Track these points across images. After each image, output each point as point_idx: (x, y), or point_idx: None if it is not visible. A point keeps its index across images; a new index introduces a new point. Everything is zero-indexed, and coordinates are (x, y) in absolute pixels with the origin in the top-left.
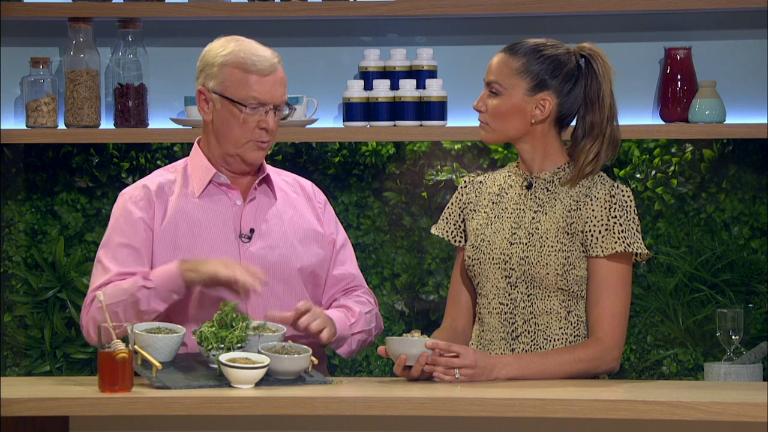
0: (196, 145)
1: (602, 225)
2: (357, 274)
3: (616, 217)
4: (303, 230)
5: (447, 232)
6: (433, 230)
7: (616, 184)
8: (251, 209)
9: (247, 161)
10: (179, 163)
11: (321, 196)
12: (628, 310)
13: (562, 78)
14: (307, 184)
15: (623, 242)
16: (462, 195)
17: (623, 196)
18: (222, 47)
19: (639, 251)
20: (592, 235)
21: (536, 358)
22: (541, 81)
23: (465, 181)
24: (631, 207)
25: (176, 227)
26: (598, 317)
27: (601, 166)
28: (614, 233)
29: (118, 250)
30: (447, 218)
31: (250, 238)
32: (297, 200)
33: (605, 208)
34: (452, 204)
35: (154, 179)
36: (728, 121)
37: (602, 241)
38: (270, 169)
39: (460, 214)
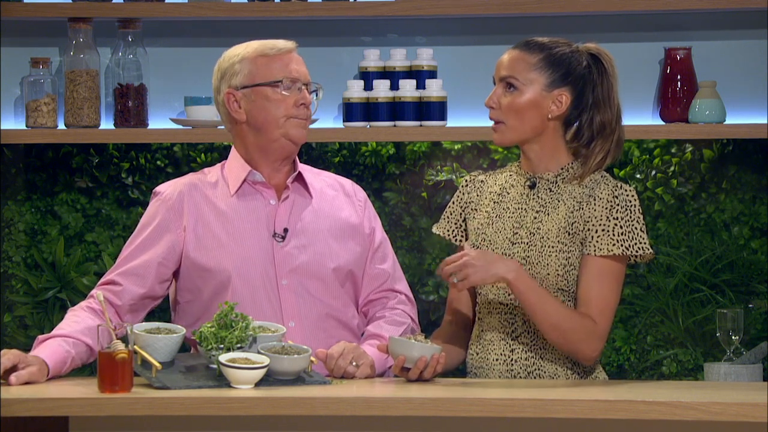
0: (233, 148)
1: (600, 225)
2: (392, 273)
3: (617, 218)
4: (339, 227)
5: (448, 231)
6: (434, 229)
7: (620, 185)
8: (286, 208)
9: (292, 139)
10: (216, 166)
11: (361, 194)
12: (616, 306)
13: (577, 75)
14: (347, 182)
15: (621, 245)
16: (463, 194)
17: (627, 196)
18: (235, 49)
19: (639, 253)
20: (589, 234)
21: (539, 289)
22: (560, 76)
23: (466, 180)
24: (635, 207)
25: (210, 227)
26: (593, 307)
27: (606, 166)
28: (613, 235)
29: (130, 256)
30: (448, 217)
31: (284, 237)
32: (335, 197)
33: (606, 209)
34: (453, 203)
35: (190, 179)
36: (728, 121)
37: (597, 241)
38: (307, 170)
39: (461, 214)
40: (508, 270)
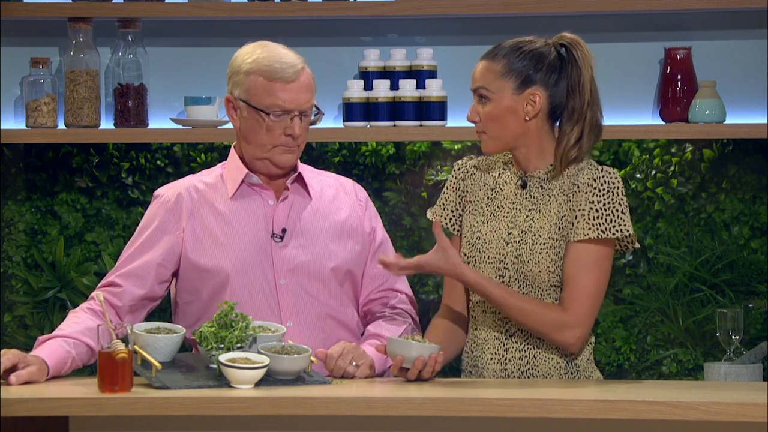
0: (232, 149)
1: (580, 211)
2: (393, 274)
3: (593, 202)
4: (339, 227)
5: (445, 218)
6: (429, 215)
7: (601, 168)
8: (284, 208)
9: (277, 164)
10: (216, 168)
11: (362, 194)
12: (601, 293)
13: (546, 70)
14: (348, 182)
15: (597, 228)
16: (458, 181)
17: (608, 178)
18: (248, 54)
19: (618, 235)
20: (570, 222)
21: (500, 291)
22: (526, 77)
23: (458, 165)
24: (616, 189)
25: (208, 228)
26: (568, 294)
27: (585, 152)
28: (588, 219)
29: (130, 257)
30: (444, 204)
31: (282, 237)
32: (335, 197)
33: (586, 194)
34: (448, 189)
35: (189, 181)
36: (728, 121)
37: (576, 227)
38: (308, 170)
39: (459, 202)
40: (470, 282)
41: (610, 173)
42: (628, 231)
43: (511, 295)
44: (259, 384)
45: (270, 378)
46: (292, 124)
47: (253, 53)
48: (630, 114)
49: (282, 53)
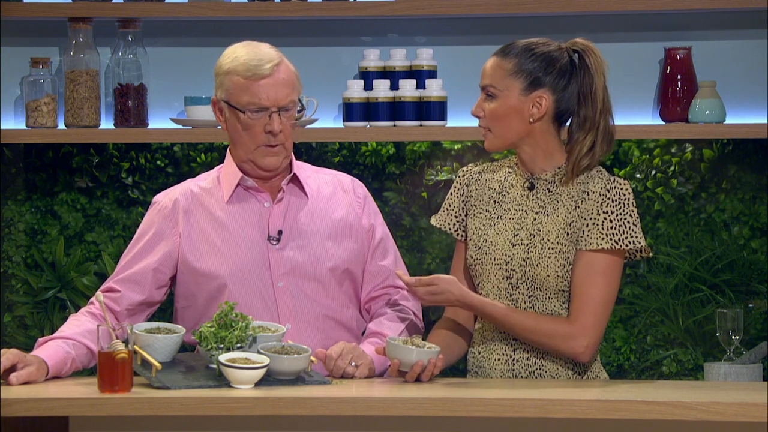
0: (228, 151)
1: (591, 219)
2: (394, 269)
3: (607, 212)
4: (336, 226)
5: (448, 224)
6: (433, 221)
7: (613, 179)
8: (280, 210)
9: (261, 167)
10: (213, 171)
11: (361, 190)
12: (610, 303)
13: (556, 74)
14: (346, 179)
15: (611, 239)
16: (462, 187)
17: (619, 189)
18: (229, 55)
19: (630, 247)
20: (580, 229)
21: (502, 311)
22: (535, 79)
23: (463, 171)
24: (627, 201)
25: (205, 233)
26: (576, 303)
27: (597, 161)
28: (602, 229)
29: (130, 262)
30: (448, 209)
31: (278, 239)
32: (332, 196)
33: (598, 203)
34: (452, 194)
35: (186, 186)
36: (728, 121)
37: (588, 235)
38: (306, 168)
39: (462, 208)
40: (469, 305)
41: (622, 184)
42: (639, 243)
43: (514, 312)
44: (259, 384)
45: (270, 378)
46: (270, 120)
47: (234, 53)
48: (630, 114)
49: (259, 51)
